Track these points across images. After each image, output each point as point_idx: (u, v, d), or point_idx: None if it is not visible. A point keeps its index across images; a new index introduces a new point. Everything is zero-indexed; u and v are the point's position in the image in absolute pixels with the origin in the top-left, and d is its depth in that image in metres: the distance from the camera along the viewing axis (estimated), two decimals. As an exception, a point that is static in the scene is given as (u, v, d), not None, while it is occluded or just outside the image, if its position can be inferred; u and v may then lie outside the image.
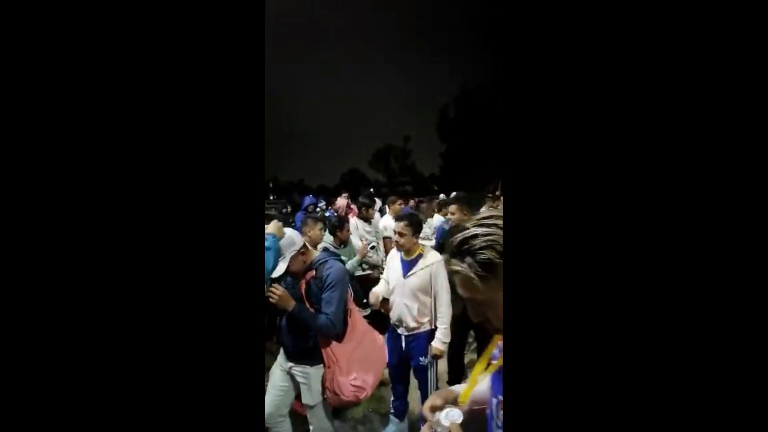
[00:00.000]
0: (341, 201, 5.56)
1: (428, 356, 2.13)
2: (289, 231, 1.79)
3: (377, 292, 2.27)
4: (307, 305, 1.73)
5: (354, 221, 3.53)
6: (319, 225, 2.91)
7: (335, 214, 6.54)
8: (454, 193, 5.85)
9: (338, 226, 3.08)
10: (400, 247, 2.15)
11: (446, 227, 3.16)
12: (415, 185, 37.52)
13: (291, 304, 1.68)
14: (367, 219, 3.55)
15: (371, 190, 7.51)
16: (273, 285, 1.68)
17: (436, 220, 4.46)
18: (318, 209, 7.09)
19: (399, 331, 2.19)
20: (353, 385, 1.71)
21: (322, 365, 1.73)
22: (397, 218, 2.20)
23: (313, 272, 1.74)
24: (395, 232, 2.15)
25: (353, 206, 5.78)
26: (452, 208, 2.73)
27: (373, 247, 3.33)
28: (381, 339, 1.99)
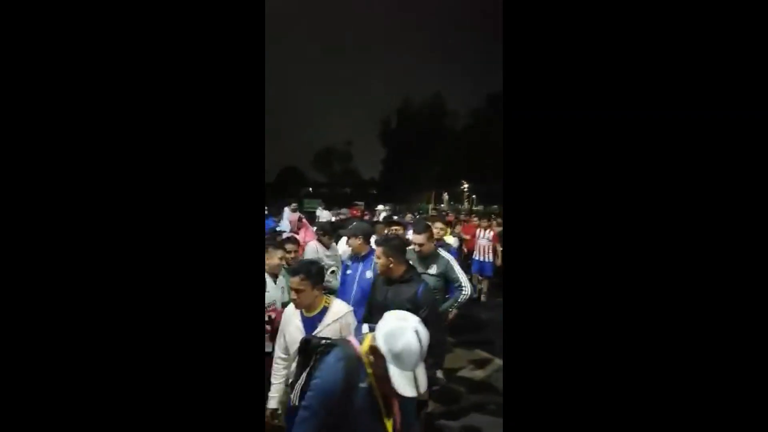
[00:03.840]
0: (293, 216, 5.29)
1: None
2: None
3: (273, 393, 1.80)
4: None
5: (314, 245, 3.35)
6: (279, 253, 2.68)
7: (275, 222, 6.19)
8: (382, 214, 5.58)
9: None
10: (298, 306, 1.78)
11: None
12: (354, 188, 37.56)
13: None
14: (326, 244, 3.38)
15: (331, 218, 7.12)
16: None
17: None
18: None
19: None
20: None
21: None
22: (292, 272, 1.83)
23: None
24: (291, 289, 1.79)
25: (305, 220, 5.53)
26: (378, 251, 2.13)
27: (333, 272, 3.18)
28: None
